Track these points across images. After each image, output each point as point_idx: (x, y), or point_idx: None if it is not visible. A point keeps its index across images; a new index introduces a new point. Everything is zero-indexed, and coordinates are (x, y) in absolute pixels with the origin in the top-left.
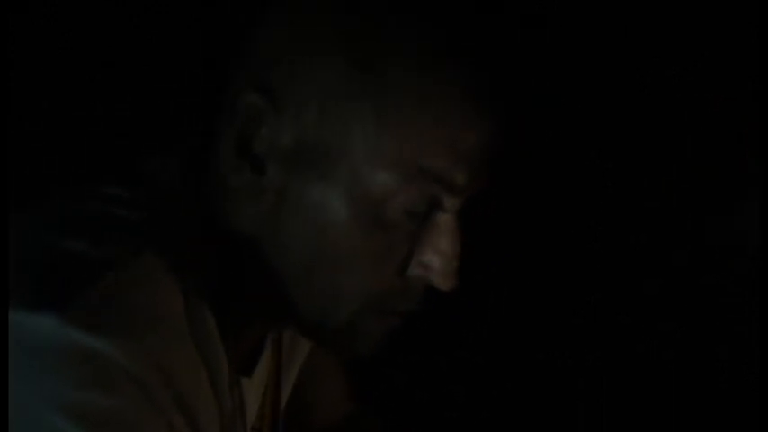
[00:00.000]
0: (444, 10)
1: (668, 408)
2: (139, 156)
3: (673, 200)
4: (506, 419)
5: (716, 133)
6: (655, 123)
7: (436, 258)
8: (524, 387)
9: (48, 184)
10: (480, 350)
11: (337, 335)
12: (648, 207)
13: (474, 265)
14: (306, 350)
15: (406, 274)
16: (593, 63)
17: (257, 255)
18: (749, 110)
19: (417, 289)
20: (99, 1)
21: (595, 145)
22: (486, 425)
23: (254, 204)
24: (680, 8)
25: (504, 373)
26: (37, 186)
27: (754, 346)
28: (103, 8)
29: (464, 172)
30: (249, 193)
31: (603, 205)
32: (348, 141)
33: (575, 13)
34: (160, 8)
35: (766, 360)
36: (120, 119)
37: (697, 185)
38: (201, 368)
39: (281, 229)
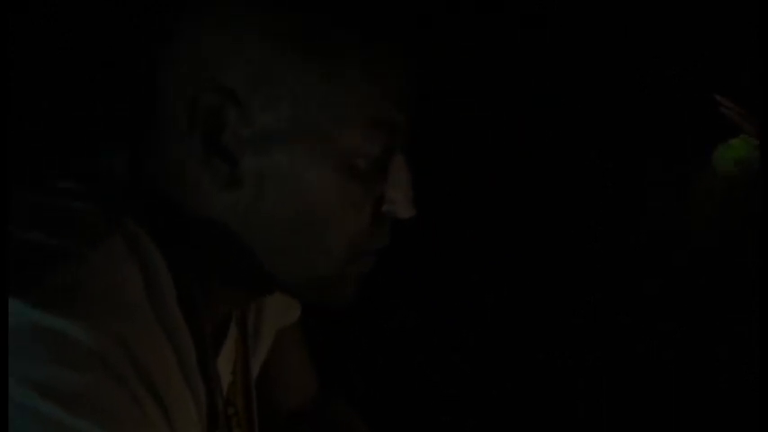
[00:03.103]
0: None
1: (668, 408)
2: (90, 152)
3: (672, 199)
4: (506, 419)
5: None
6: (653, 124)
7: (397, 192)
8: (524, 387)
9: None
10: (480, 350)
11: (326, 285)
12: (648, 207)
13: (474, 266)
14: (272, 333)
15: (380, 214)
16: (593, 64)
17: (235, 236)
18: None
19: (386, 225)
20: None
21: (595, 145)
22: (486, 425)
23: (234, 192)
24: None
25: (503, 373)
26: None
27: (754, 346)
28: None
29: (405, 116)
30: (226, 184)
31: (604, 205)
32: (310, 112)
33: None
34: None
35: (766, 360)
36: (64, 117)
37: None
38: (168, 349)
39: (262, 209)
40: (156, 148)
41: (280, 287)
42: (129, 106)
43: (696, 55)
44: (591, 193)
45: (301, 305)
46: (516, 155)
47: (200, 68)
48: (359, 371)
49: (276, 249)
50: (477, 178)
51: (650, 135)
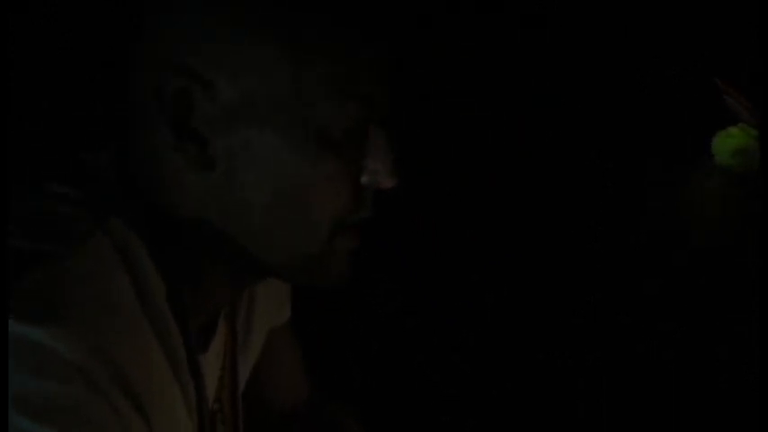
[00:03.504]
0: None
1: (668, 408)
2: (75, 153)
3: (672, 199)
4: (506, 419)
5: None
6: (652, 123)
7: (377, 162)
8: (524, 387)
9: None
10: (480, 350)
11: (313, 264)
12: (648, 207)
13: (473, 266)
14: (264, 332)
15: (361, 186)
16: (592, 63)
17: (216, 222)
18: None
19: (369, 196)
20: None
21: (594, 145)
22: (486, 425)
23: (206, 175)
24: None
25: (503, 373)
26: None
27: (754, 345)
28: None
29: (380, 89)
30: (199, 167)
31: (603, 205)
32: (278, 88)
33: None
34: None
35: (766, 360)
36: (48, 118)
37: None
38: (156, 348)
39: (238, 189)
40: (136, 144)
41: (267, 271)
42: (110, 105)
43: (695, 53)
44: (591, 193)
45: (298, 305)
46: (516, 154)
47: (166, 55)
48: (358, 371)
49: (257, 231)
50: (477, 178)
51: (650, 134)
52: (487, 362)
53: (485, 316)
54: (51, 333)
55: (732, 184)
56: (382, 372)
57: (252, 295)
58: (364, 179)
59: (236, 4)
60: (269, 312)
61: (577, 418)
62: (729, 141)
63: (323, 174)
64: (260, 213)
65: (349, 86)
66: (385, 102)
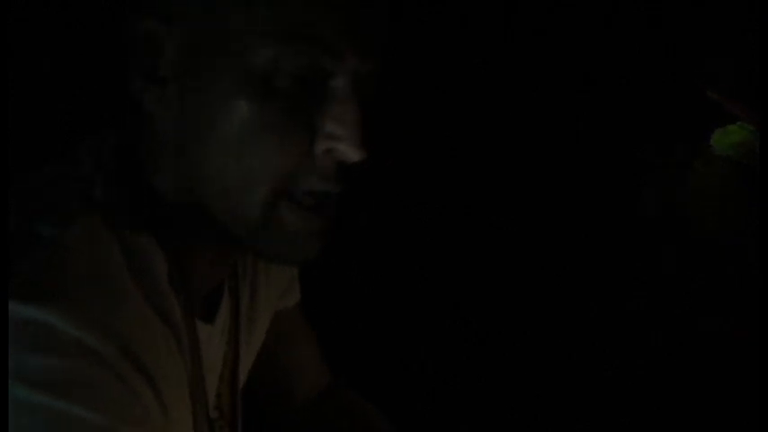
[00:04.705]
0: None
1: (668, 408)
2: (74, 133)
3: (671, 187)
4: (505, 420)
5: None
6: (651, 111)
7: (339, 129)
8: (524, 387)
9: None
10: (480, 350)
11: (261, 233)
12: (646, 195)
13: (473, 266)
14: (269, 313)
15: (314, 150)
16: (588, 54)
17: (181, 176)
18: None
19: (329, 166)
20: None
21: (590, 149)
22: (486, 425)
23: (166, 121)
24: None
25: (503, 373)
26: None
27: (755, 345)
28: None
29: (345, 40)
30: (160, 112)
31: (602, 197)
32: (224, 27)
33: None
34: None
35: (766, 360)
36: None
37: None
38: (153, 320)
39: (192, 136)
40: (129, 121)
41: (233, 238)
42: (110, 90)
43: (693, 43)
44: (589, 186)
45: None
46: (515, 153)
47: (137, 3)
48: (358, 372)
49: (211, 186)
50: (476, 178)
51: (648, 121)
52: (487, 362)
53: (484, 316)
54: (50, 311)
55: (731, 171)
56: (381, 371)
57: (255, 273)
58: (321, 144)
59: None
60: (274, 292)
61: (577, 417)
62: (728, 137)
63: (264, 120)
64: (210, 163)
65: (298, 29)
66: (359, 60)
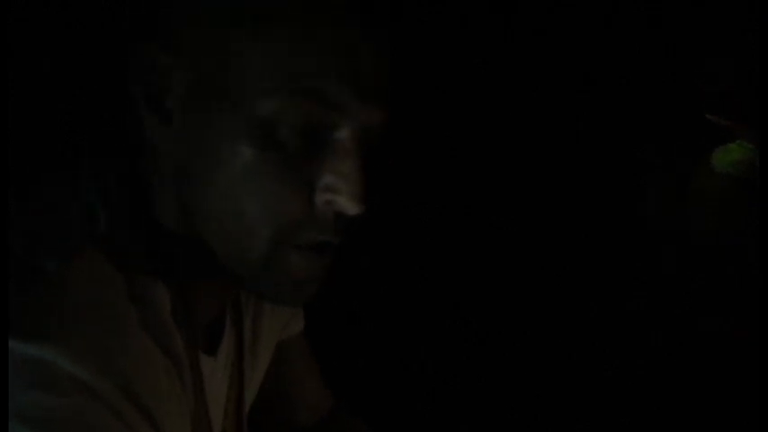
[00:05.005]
0: None
1: (668, 408)
2: (74, 133)
3: (671, 198)
4: (505, 420)
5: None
6: (651, 122)
7: (339, 182)
8: (524, 387)
9: None
10: (480, 350)
11: (261, 275)
12: (647, 206)
13: (473, 267)
14: (272, 341)
15: (314, 201)
16: (590, 61)
17: (184, 213)
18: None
19: (328, 218)
20: None
21: (592, 144)
22: (485, 425)
23: (170, 156)
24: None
25: (503, 373)
26: None
27: (755, 345)
28: None
29: (348, 93)
30: (165, 146)
31: (603, 204)
32: (234, 72)
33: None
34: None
35: (766, 360)
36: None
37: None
38: (156, 355)
39: (194, 175)
40: (132, 149)
41: (233, 277)
42: (112, 106)
43: (693, 43)
44: (590, 192)
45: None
46: (515, 153)
47: (135, 39)
48: (358, 372)
49: (211, 225)
50: (477, 178)
51: (649, 133)
52: (487, 362)
53: (483, 316)
54: (49, 349)
55: (731, 185)
56: (381, 372)
57: (258, 301)
58: (320, 196)
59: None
60: (277, 320)
61: (577, 418)
62: (729, 155)
63: (264, 170)
64: (211, 205)
65: (304, 83)
66: (364, 114)
